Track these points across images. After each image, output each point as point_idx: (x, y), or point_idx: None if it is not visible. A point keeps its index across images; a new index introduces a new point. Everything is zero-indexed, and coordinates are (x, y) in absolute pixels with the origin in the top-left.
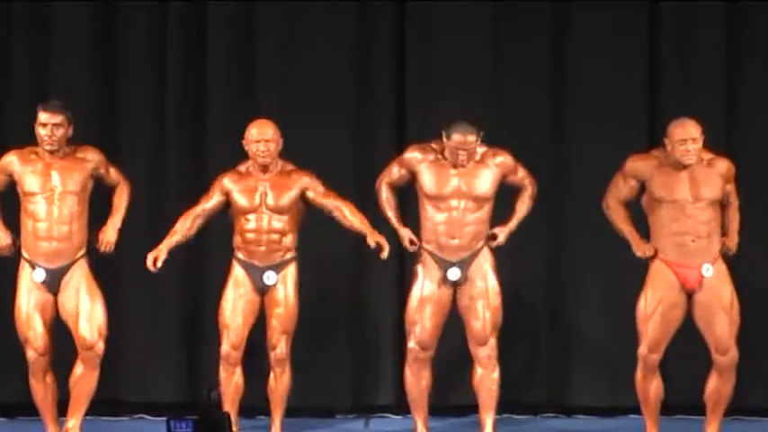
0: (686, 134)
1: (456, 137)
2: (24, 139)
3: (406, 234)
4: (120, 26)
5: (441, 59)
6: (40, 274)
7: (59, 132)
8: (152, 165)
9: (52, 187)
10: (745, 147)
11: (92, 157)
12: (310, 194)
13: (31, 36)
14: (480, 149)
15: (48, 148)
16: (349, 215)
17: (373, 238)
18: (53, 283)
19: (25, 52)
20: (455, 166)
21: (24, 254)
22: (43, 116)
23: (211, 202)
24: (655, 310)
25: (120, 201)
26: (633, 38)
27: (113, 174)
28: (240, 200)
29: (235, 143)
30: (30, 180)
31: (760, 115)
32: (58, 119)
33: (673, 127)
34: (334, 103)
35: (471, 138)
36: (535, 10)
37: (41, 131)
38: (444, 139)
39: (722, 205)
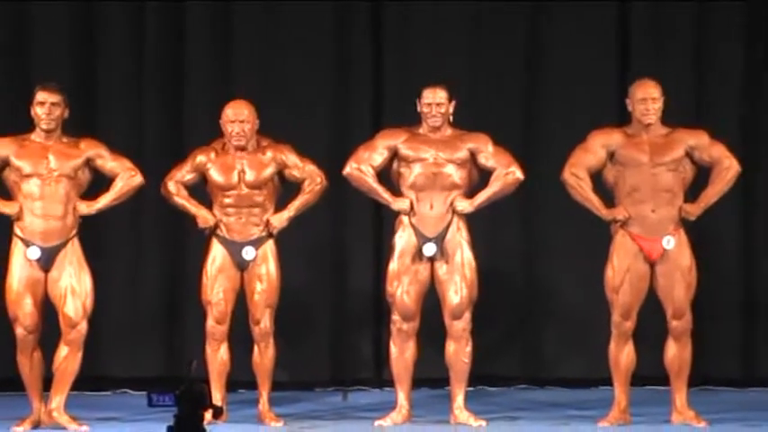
0: (646, 93)
1: (426, 93)
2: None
3: (406, 201)
4: (100, 17)
5: (418, 48)
6: (34, 252)
7: (56, 112)
8: (130, 146)
9: (48, 168)
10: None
11: (85, 146)
12: (287, 172)
13: (14, 29)
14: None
15: (44, 126)
16: (305, 189)
17: (276, 216)
18: (47, 261)
19: (6, 45)
20: (430, 131)
21: (18, 232)
22: (41, 95)
23: (187, 177)
24: (623, 280)
25: (115, 185)
26: (604, 28)
27: (112, 166)
28: (218, 177)
29: (212, 128)
30: (26, 161)
31: (728, 96)
32: (56, 98)
33: (634, 87)
34: (312, 90)
35: (441, 93)
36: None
37: (39, 110)
38: (418, 105)
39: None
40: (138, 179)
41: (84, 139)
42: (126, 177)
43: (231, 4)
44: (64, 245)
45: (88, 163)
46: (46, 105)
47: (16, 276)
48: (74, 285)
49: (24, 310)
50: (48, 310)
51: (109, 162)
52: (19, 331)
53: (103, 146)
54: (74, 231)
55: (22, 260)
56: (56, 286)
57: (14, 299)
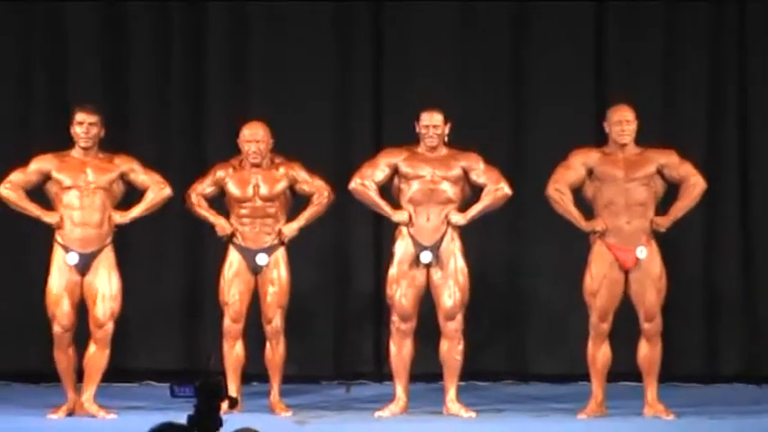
0: (622, 117)
1: (424, 115)
2: (46, 135)
3: (405, 214)
4: (128, 26)
5: (415, 63)
6: (73, 258)
7: (94, 131)
8: (155, 149)
9: (86, 181)
10: (680, 144)
11: (119, 162)
12: (297, 186)
13: (47, 37)
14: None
15: (83, 144)
16: (314, 202)
17: (288, 226)
18: (84, 265)
19: (42, 53)
20: (427, 150)
21: (59, 239)
22: (80, 116)
23: (208, 189)
24: (600, 285)
25: (146, 196)
26: (582, 47)
27: (143, 180)
28: (235, 191)
29: (230, 136)
30: (67, 175)
31: (697, 112)
32: (94, 118)
33: (611, 111)
34: (317, 105)
35: (437, 116)
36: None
37: (78, 129)
38: (416, 127)
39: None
40: (166, 191)
41: (119, 155)
42: (156, 190)
43: (248, 20)
44: (99, 251)
45: (122, 176)
46: (84, 125)
47: (56, 279)
48: (104, 289)
49: (62, 310)
50: (81, 310)
51: (140, 176)
52: (56, 329)
53: (136, 161)
54: (109, 239)
55: (61, 264)
56: (90, 288)
57: (53, 300)
